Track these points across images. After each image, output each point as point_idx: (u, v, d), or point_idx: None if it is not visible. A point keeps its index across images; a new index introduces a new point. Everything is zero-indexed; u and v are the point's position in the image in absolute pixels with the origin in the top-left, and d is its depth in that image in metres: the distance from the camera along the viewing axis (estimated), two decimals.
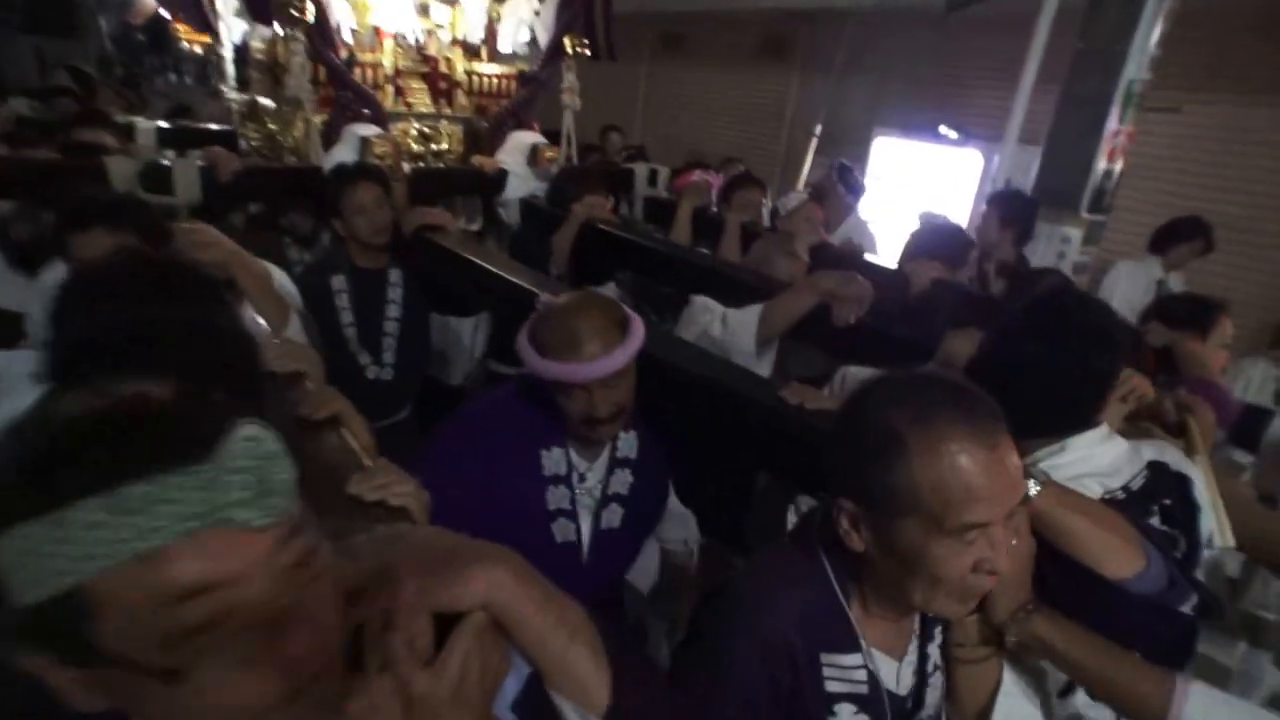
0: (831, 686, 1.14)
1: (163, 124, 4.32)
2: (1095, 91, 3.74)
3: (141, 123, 4.06)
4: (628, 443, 1.80)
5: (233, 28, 3.77)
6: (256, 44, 3.64)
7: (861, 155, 6.43)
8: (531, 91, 3.85)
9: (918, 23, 5.99)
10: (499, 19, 3.81)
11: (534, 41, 3.86)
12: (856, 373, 2.13)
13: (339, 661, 0.66)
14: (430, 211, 3.15)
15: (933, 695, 1.21)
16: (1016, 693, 1.21)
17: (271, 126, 3.73)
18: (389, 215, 2.73)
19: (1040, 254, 3.95)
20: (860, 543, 1.07)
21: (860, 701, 1.14)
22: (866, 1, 5.94)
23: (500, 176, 3.70)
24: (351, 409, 1.40)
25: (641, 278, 3.33)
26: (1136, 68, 3.65)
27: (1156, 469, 1.43)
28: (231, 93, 4.02)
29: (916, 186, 5.58)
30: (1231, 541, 1.49)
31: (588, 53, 3.74)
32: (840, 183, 4.10)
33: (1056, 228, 3.99)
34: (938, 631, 1.22)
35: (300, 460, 0.66)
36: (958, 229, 3.37)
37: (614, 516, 1.79)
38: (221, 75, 4.07)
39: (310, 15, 3.09)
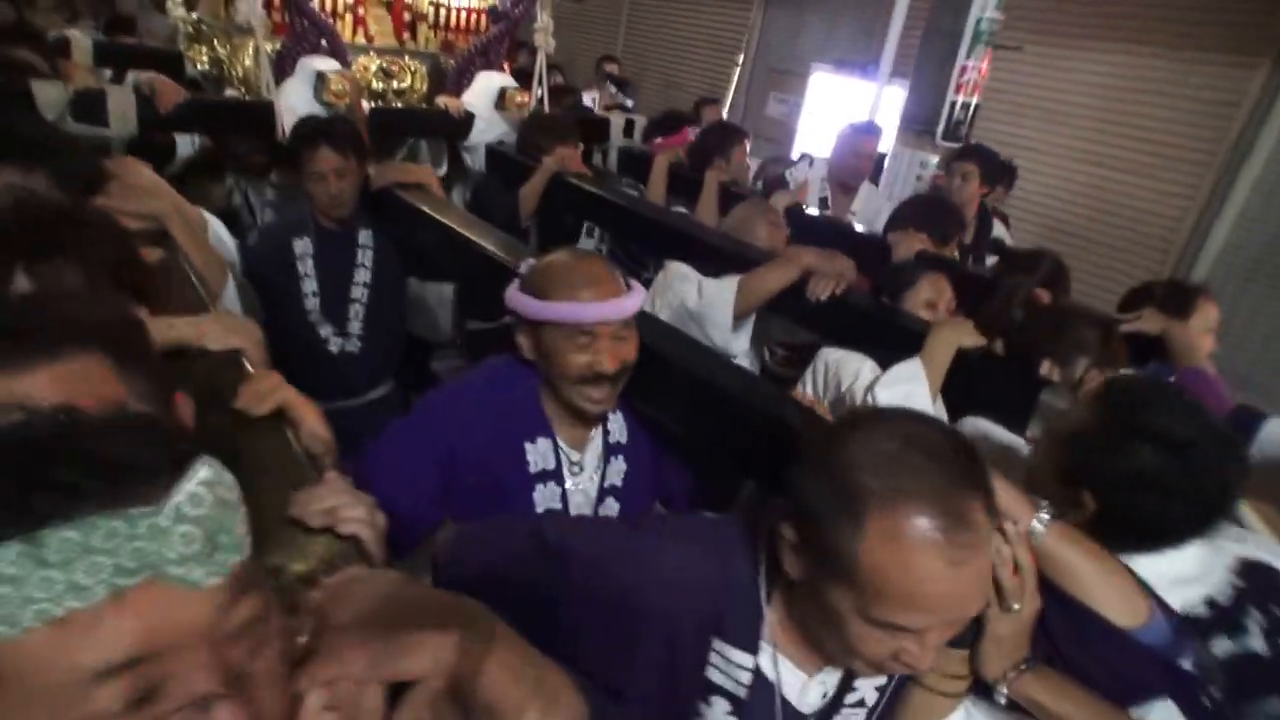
0: (711, 675, 1.11)
1: (100, 38, 4.09)
2: (949, 28, 4.14)
3: (78, 37, 3.82)
4: (618, 425, 1.68)
5: None
6: None
7: (801, 90, 6.80)
8: (502, 29, 3.68)
9: None
10: None
11: None
12: (837, 357, 2.05)
13: None
14: (408, 168, 3.00)
15: None
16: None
17: (220, 51, 3.53)
18: (352, 185, 2.57)
19: (902, 176, 4.48)
20: (794, 571, 1.02)
21: (736, 702, 1.10)
22: None
23: (466, 119, 3.54)
24: (300, 398, 1.24)
25: (616, 236, 3.22)
26: (982, 7, 4.02)
27: (1250, 571, 1.29)
28: (178, 9, 3.79)
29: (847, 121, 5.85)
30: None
31: None
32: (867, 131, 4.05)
33: (916, 153, 4.44)
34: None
35: (237, 473, 0.56)
36: (950, 204, 3.28)
37: (610, 514, 1.66)
38: None
39: None
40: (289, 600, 0.64)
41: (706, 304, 2.32)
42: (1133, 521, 1.24)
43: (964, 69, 4.09)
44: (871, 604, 0.91)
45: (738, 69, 7.88)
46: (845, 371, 1.98)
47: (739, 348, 2.39)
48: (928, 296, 2.28)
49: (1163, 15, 5.27)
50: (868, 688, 1.16)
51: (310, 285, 2.58)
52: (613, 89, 6.42)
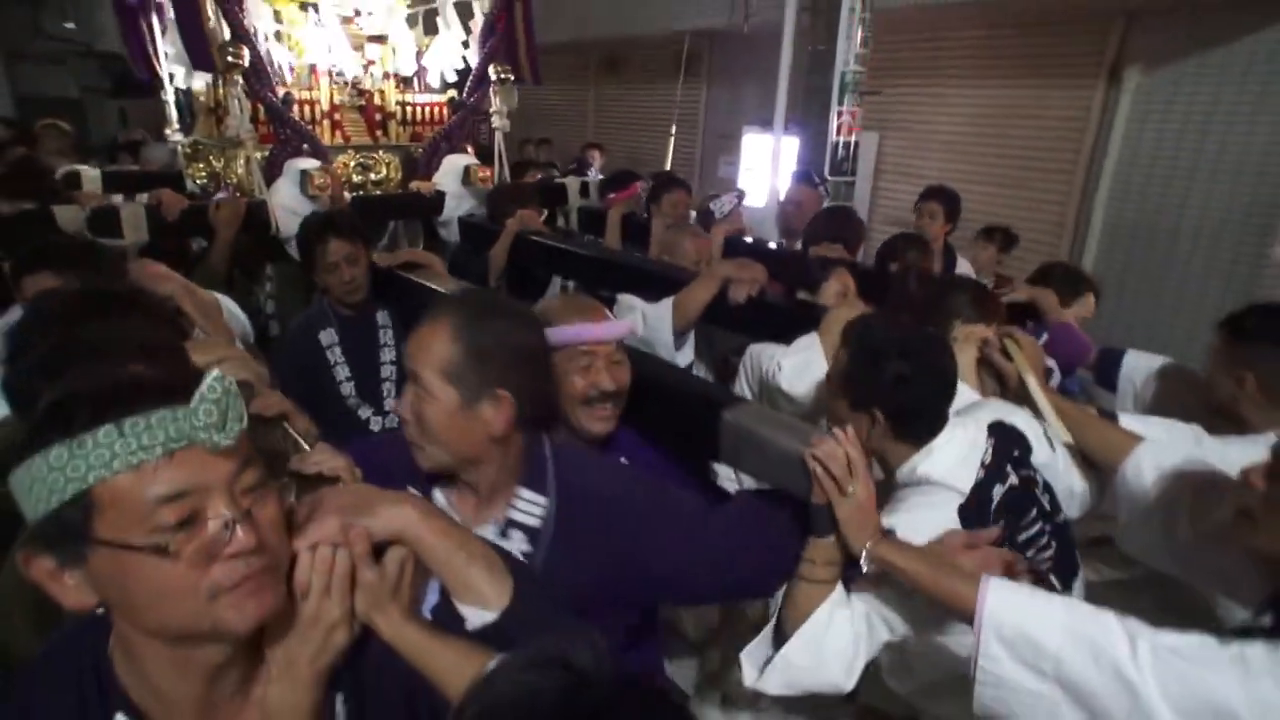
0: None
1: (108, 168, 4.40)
2: (821, 83, 4.77)
3: (87, 170, 4.14)
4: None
5: (176, 74, 3.86)
6: (198, 87, 3.76)
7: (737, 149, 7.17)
8: (462, 117, 3.99)
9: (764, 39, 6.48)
10: (428, 50, 3.97)
11: (468, 70, 4.02)
12: (756, 350, 2.35)
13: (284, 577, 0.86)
14: (414, 252, 3.26)
15: None
16: (842, 602, 1.40)
17: (215, 165, 3.85)
18: (363, 270, 2.64)
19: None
20: None
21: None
22: (744, 22, 6.58)
23: (438, 198, 3.85)
24: (293, 407, 1.46)
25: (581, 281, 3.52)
26: (845, 62, 4.57)
27: (997, 432, 1.63)
28: (175, 135, 4.12)
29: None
30: (1067, 437, 1.74)
31: (512, 78, 3.92)
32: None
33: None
34: None
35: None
36: (855, 215, 3.67)
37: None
38: (166, 119, 4.16)
39: (247, 59, 3.22)
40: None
41: (650, 328, 2.51)
42: (913, 414, 1.58)
43: (839, 114, 4.60)
44: None
45: (700, 140, 8.39)
46: (764, 358, 2.24)
47: (684, 360, 2.55)
48: (837, 288, 2.53)
49: (1017, 50, 5.78)
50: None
51: (343, 372, 2.64)
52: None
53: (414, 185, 3.89)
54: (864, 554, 1.33)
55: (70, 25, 11.41)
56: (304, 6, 3.64)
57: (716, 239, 3.44)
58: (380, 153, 3.89)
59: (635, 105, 9.48)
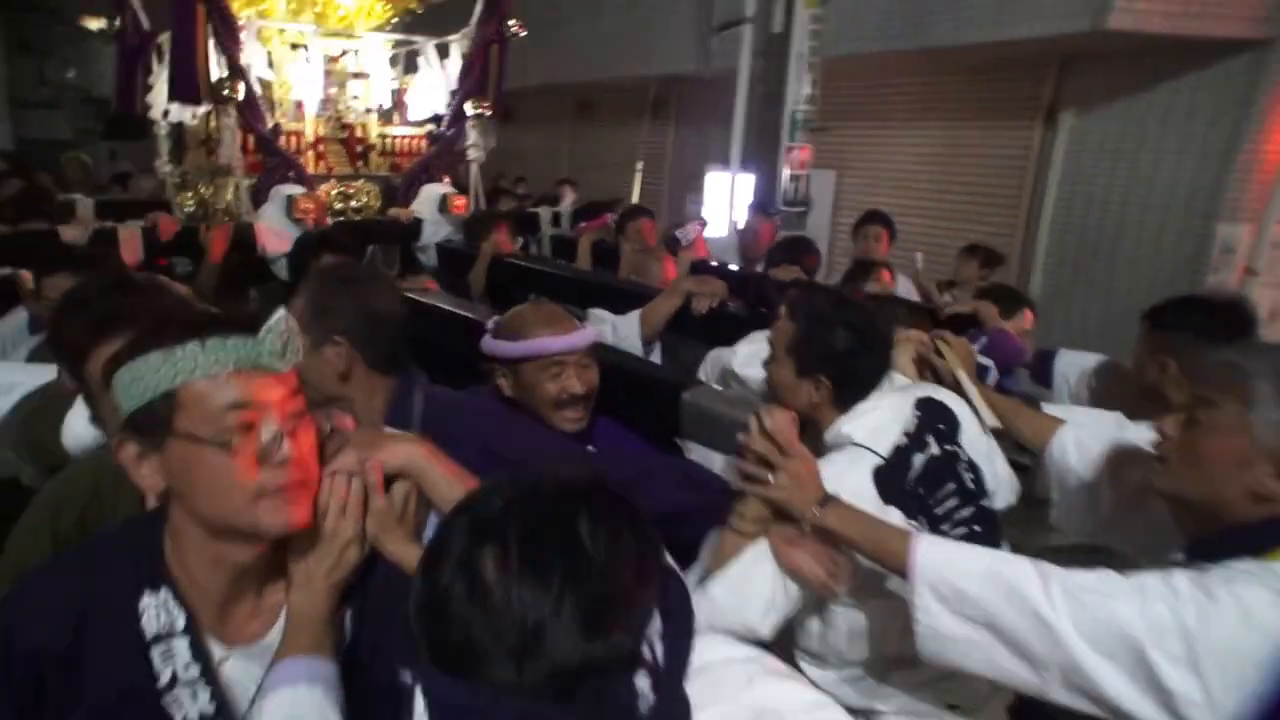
0: None
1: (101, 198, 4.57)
2: (773, 121, 5.08)
3: (81, 199, 4.32)
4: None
5: (168, 110, 4.03)
6: (190, 121, 3.94)
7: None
8: (439, 149, 4.22)
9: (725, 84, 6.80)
10: (408, 87, 4.19)
11: (448, 106, 4.25)
12: (714, 353, 2.53)
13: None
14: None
15: None
16: (767, 555, 1.46)
17: (204, 193, 4.02)
18: None
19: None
20: None
21: None
22: (706, 68, 6.87)
23: (415, 225, 4.05)
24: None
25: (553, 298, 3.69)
26: (795, 101, 4.91)
27: (924, 406, 1.72)
28: (166, 166, 4.29)
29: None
30: (994, 421, 1.84)
31: (488, 113, 4.15)
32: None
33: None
34: None
35: None
36: (810, 242, 3.91)
37: None
38: (156, 153, 4.33)
39: (242, 93, 3.42)
40: None
41: (619, 338, 2.67)
42: (853, 379, 1.66)
43: (789, 150, 4.93)
44: None
45: (667, 179, 8.71)
46: (724, 356, 2.45)
47: None
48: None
49: (963, 94, 6.14)
50: None
51: None
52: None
53: (392, 212, 4.10)
54: (807, 518, 1.40)
55: (71, 74, 12.54)
56: (294, 46, 3.85)
57: (684, 263, 3.65)
58: (361, 181, 4.09)
59: (607, 146, 9.78)
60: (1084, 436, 1.78)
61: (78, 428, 1.55)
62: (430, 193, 4.12)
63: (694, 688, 0.80)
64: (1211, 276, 4.84)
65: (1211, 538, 1.29)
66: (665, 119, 8.73)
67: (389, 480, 1.10)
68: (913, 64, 6.10)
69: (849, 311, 1.70)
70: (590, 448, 1.76)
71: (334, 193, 4.01)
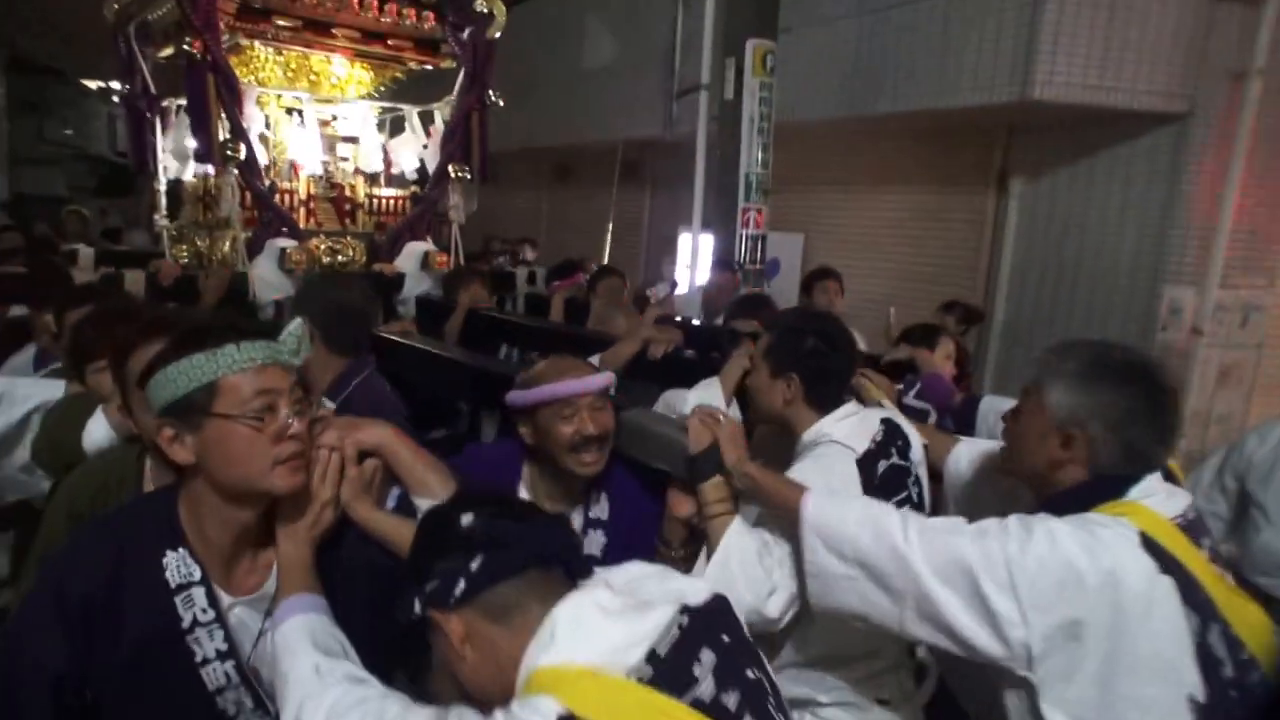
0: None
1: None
2: (731, 185, 5.28)
3: (83, 249, 4.57)
4: (601, 505, 1.84)
5: (168, 167, 4.29)
6: (189, 178, 4.20)
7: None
8: (422, 209, 4.48)
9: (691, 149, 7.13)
10: (394, 152, 4.47)
11: (423, 168, 4.52)
12: (667, 395, 2.74)
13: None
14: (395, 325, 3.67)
15: None
16: (744, 530, 1.67)
17: (200, 245, 4.26)
18: None
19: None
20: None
21: None
22: (670, 133, 7.29)
23: (398, 278, 4.28)
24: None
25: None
26: (749, 165, 5.14)
27: (888, 425, 1.88)
28: (163, 220, 4.53)
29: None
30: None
31: (468, 176, 4.42)
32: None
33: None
34: None
35: None
36: (769, 298, 4.16)
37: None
38: (155, 207, 4.57)
39: (243, 154, 3.69)
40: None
41: None
42: (821, 376, 1.85)
43: (744, 211, 5.18)
44: None
45: (643, 242, 9.08)
46: (676, 399, 2.65)
47: None
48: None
49: (920, 160, 6.51)
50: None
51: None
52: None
53: (377, 267, 4.33)
54: (733, 468, 1.64)
55: (69, 132, 13.23)
56: (290, 111, 4.13)
57: (649, 316, 3.88)
58: (348, 238, 4.33)
59: (583, 209, 10.13)
60: (974, 450, 2.01)
61: (97, 433, 1.81)
62: (413, 249, 4.37)
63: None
64: (1160, 336, 5.12)
65: (1046, 504, 1.51)
66: (640, 183, 9.13)
67: (363, 457, 1.36)
68: (869, 131, 6.48)
69: (815, 320, 1.97)
70: (600, 532, 1.85)
71: (323, 247, 4.24)
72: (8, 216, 7.33)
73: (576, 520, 1.81)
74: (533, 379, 1.77)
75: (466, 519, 1.10)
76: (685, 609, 1.06)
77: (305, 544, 1.28)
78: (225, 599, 1.27)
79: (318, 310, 2.17)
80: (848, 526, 1.49)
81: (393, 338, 3.17)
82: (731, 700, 1.02)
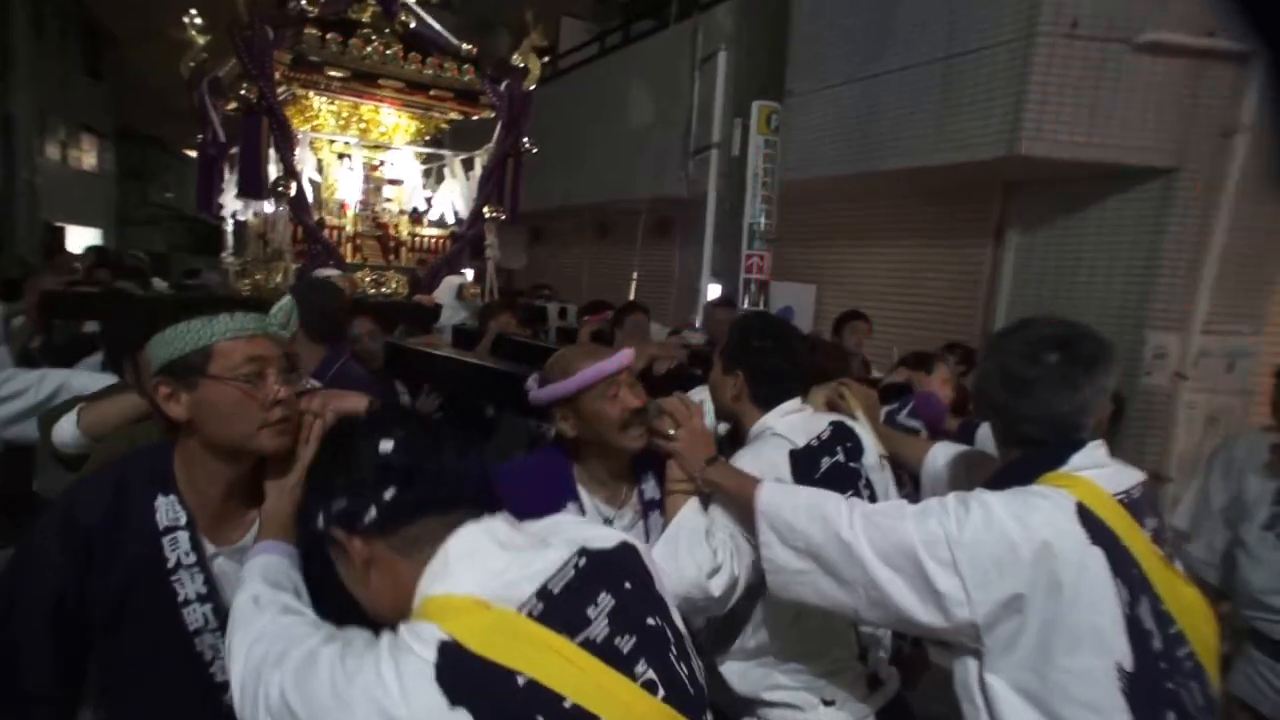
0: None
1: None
2: (734, 232, 5.66)
3: (158, 282, 5.02)
4: (651, 484, 1.85)
5: (231, 207, 4.75)
6: (250, 218, 4.65)
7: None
8: (460, 247, 4.88)
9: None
10: (435, 193, 4.90)
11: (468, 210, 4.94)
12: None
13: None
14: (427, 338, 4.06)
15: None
16: (698, 510, 1.72)
17: (259, 278, 4.68)
18: (380, 344, 3.48)
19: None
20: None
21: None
22: (687, 190, 7.64)
23: (436, 309, 4.65)
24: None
25: None
26: (751, 215, 5.45)
27: (837, 425, 1.96)
28: (230, 258, 4.99)
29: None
30: (883, 450, 2.06)
31: (502, 216, 4.82)
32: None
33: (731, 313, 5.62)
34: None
35: None
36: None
37: None
38: (223, 244, 5.03)
39: (294, 191, 4.12)
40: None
41: None
42: (763, 374, 1.92)
43: (748, 258, 5.50)
44: None
45: (673, 296, 9.36)
46: None
47: None
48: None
49: (923, 215, 6.83)
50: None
51: None
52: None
53: (417, 298, 4.71)
54: (697, 470, 1.70)
55: (169, 195, 15.18)
56: (340, 155, 4.58)
57: (658, 339, 4.20)
58: (391, 271, 4.72)
59: (619, 264, 10.59)
60: (949, 451, 2.08)
61: (65, 432, 1.90)
62: (450, 283, 4.77)
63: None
64: (1145, 379, 5.28)
65: (991, 479, 1.52)
66: (670, 239, 9.57)
67: None
68: (875, 188, 6.84)
69: (768, 323, 2.04)
70: (658, 513, 1.84)
71: (367, 279, 4.63)
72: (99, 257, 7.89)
73: (634, 504, 1.84)
74: (564, 369, 1.74)
75: (385, 445, 1.09)
76: (584, 551, 1.09)
77: (288, 499, 1.33)
78: (210, 547, 1.36)
79: (303, 309, 2.38)
80: (800, 518, 1.50)
81: (419, 347, 3.52)
82: (626, 644, 1.03)
